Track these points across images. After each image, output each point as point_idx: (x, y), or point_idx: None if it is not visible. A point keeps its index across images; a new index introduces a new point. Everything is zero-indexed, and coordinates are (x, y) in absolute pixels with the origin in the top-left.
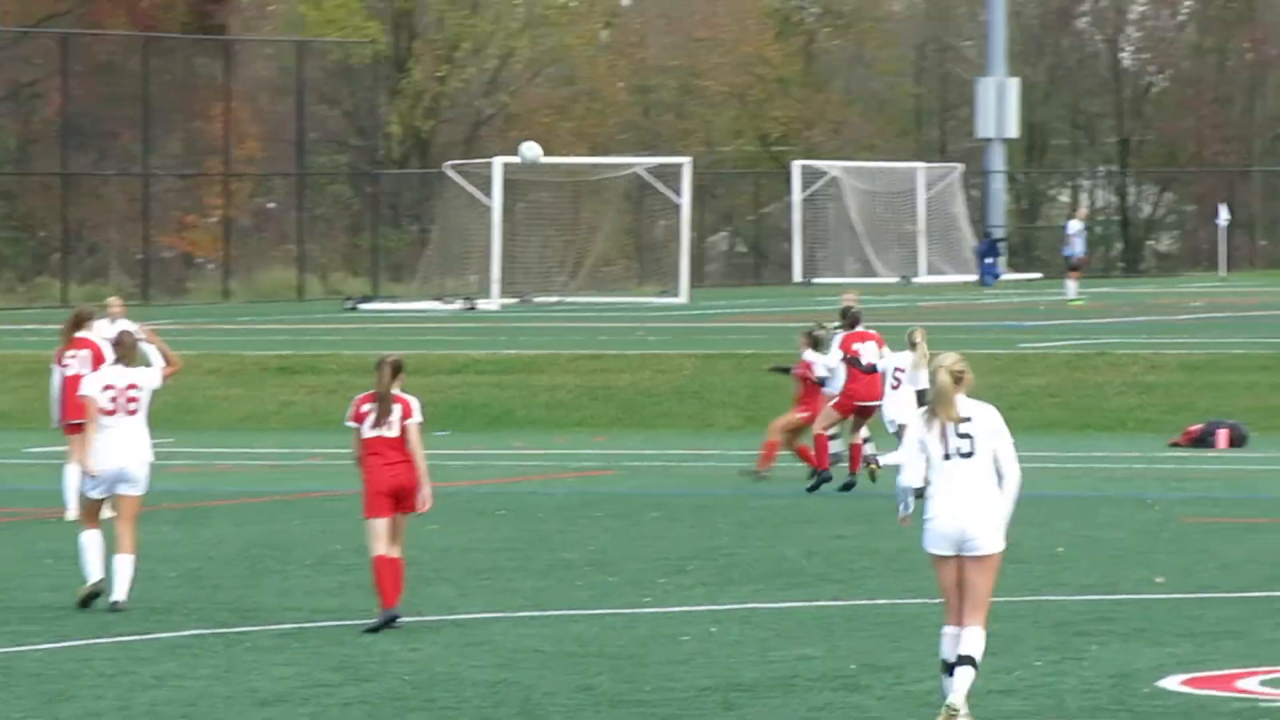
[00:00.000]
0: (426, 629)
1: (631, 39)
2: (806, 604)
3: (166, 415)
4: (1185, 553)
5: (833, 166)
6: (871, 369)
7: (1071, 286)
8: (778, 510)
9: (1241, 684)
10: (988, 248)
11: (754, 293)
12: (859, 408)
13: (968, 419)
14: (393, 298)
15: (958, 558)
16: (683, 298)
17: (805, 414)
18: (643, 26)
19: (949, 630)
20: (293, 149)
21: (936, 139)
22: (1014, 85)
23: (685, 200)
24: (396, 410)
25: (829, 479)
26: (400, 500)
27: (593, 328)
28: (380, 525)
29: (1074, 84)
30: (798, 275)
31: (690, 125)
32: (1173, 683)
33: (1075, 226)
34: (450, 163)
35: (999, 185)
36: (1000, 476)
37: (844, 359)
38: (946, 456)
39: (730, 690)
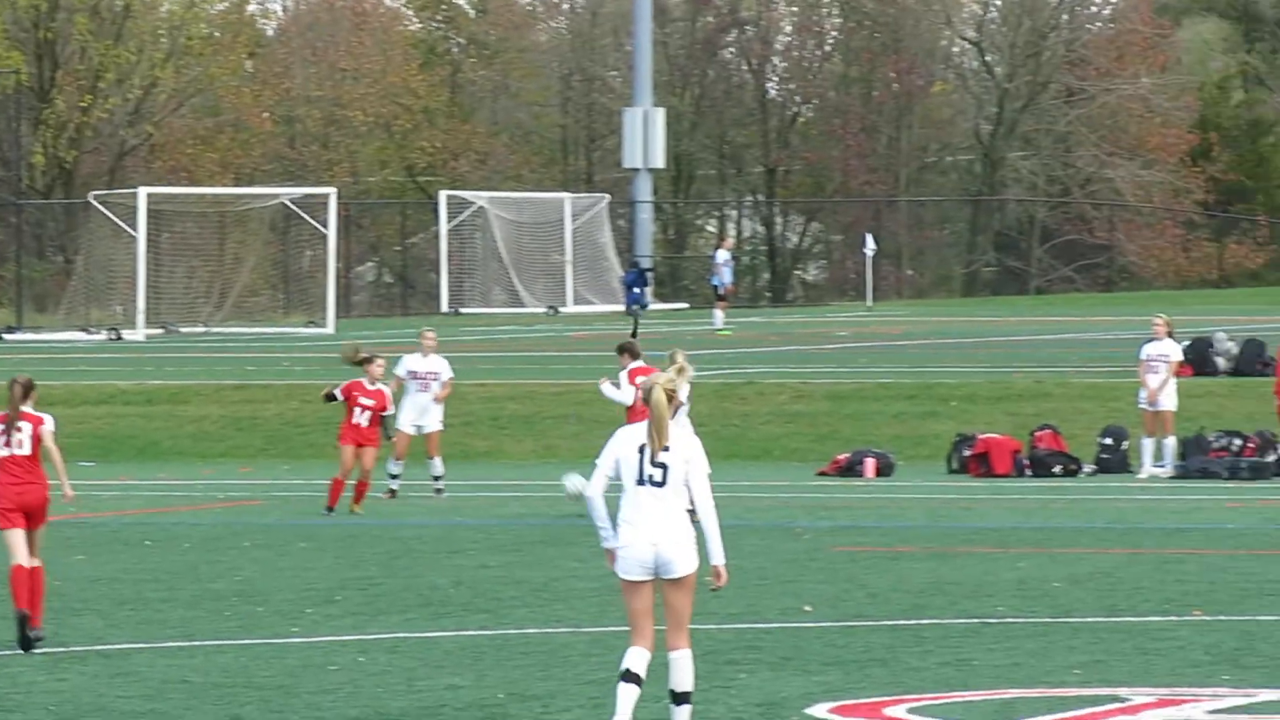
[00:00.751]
0: (73, 659)
1: (276, 69)
2: (454, 634)
3: None
4: (833, 581)
5: (479, 197)
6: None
7: (719, 316)
8: (425, 540)
9: (889, 711)
10: (635, 277)
11: (402, 323)
12: None
13: (666, 448)
14: (37, 328)
15: (652, 582)
16: (330, 328)
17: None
18: (287, 57)
19: (635, 650)
20: None
21: (583, 169)
22: (660, 115)
23: (332, 230)
24: (26, 428)
25: None
26: (29, 517)
27: (239, 358)
28: (16, 535)
29: (720, 114)
30: (445, 305)
31: (336, 155)
32: (821, 710)
33: (722, 256)
34: (95, 193)
35: (646, 215)
36: (694, 506)
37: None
38: (640, 482)
39: (378, 719)
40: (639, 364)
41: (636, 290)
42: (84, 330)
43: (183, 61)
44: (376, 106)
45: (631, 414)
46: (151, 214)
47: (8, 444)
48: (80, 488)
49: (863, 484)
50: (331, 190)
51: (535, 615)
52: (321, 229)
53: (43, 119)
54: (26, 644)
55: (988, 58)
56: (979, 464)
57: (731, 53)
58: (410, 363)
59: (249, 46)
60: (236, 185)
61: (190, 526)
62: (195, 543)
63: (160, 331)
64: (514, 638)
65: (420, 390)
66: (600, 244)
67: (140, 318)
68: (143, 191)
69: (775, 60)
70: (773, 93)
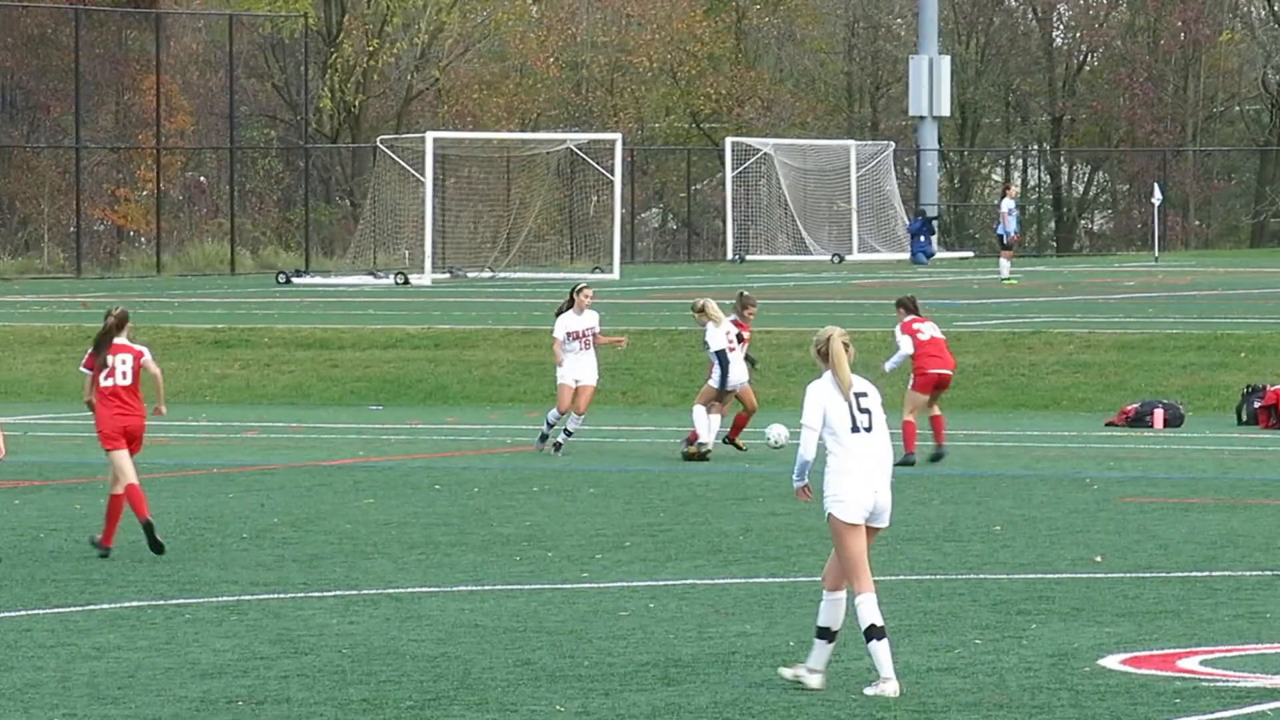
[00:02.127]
0: (365, 602)
1: (561, 15)
2: (744, 580)
3: None
4: (1123, 532)
5: (764, 144)
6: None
7: (1005, 265)
8: (713, 487)
9: (1182, 663)
10: (920, 226)
11: (687, 270)
12: (937, 379)
13: (864, 393)
14: (325, 272)
15: (864, 526)
16: (615, 274)
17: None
18: (573, 3)
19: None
20: (224, 123)
21: (868, 116)
22: (945, 63)
23: (617, 176)
24: (128, 360)
25: (912, 463)
26: (130, 441)
27: (525, 303)
28: (124, 456)
29: (1006, 62)
30: (730, 252)
31: (621, 102)
32: (1113, 662)
33: (1008, 205)
34: (382, 137)
35: (931, 163)
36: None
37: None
38: (854, 429)
39: (669, 665)
40: (913, 317)
41: (922, 239)
42: (371, 274)
43: (468, 6)
44: (661, 53)
45: (919, 360)
46: (438, 159)
47: (110, 375)
48: (368, 431)
49: (1151, 435)
50: (617, 136)
51: (824, 563)
52: (607, 175)
53: (330, 63)
54: (158, 548)
55: (1276, 7)
56: (1270, 416)
57: (1016, 1)
58: (567, 323)
59: None
60: (522, 131)
61: (478, 471)
62: (484, 487)
63: (447, 276)
64: (804, 585)
65: (583, 349)
66: (886, 192)
67: (428, 262)
68: (430, 136)
69: (1061, 8)
70: (1058, 41)
